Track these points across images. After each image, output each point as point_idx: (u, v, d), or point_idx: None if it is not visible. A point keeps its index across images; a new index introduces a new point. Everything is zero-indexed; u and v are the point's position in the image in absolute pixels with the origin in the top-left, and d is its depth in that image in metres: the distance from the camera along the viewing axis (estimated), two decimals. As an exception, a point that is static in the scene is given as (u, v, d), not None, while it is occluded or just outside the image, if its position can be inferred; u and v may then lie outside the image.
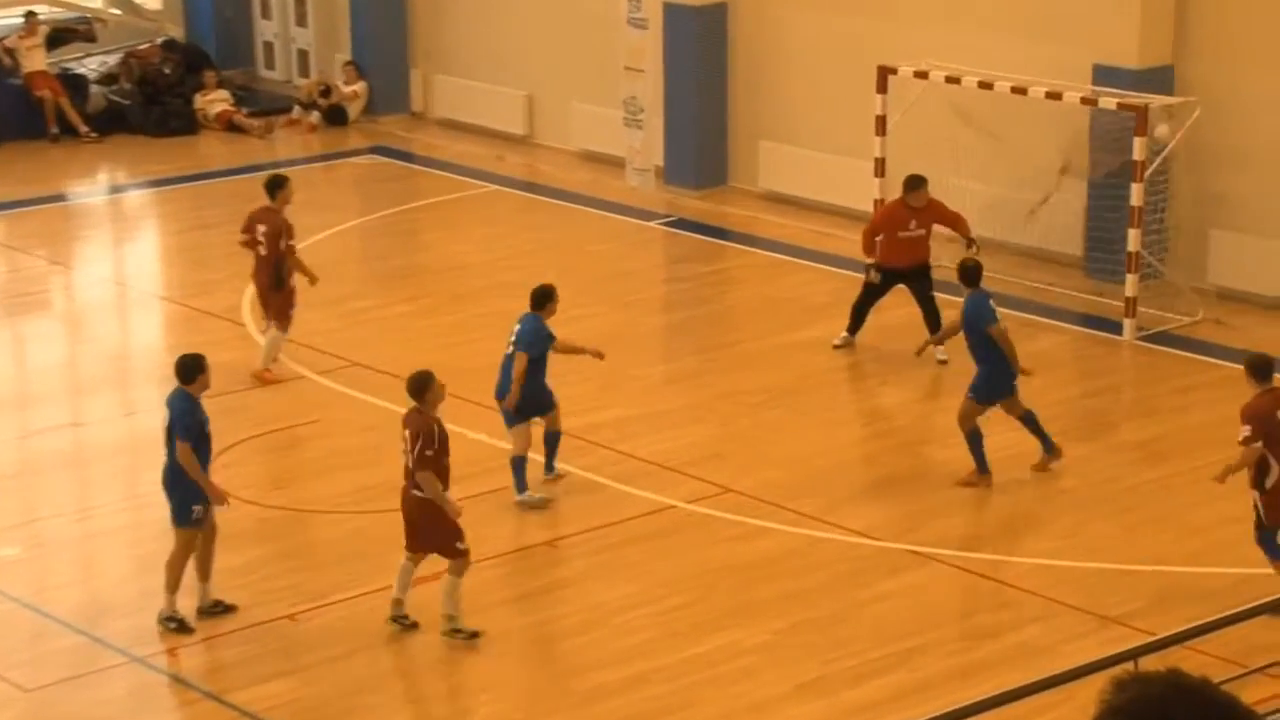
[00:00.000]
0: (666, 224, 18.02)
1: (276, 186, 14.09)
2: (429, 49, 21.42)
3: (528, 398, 11.83)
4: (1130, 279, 14.76)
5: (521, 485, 11.88)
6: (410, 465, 10.15)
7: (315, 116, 21.41)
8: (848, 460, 12.81)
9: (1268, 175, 15.22)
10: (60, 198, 19.27)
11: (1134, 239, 14.73)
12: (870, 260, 14.43)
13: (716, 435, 13.08)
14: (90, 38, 22.42)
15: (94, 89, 21.58)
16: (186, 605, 10.54)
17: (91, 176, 20.25)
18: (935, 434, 13.21)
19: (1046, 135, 15.76)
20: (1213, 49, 15.38)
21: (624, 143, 18.61)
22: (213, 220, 17.59)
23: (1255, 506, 10.49)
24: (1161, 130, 14.83)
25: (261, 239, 13.94)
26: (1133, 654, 8.59)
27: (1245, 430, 10.24)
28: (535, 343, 11.76)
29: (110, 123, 21.17)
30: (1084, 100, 15.10)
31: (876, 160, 16.16)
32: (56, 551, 11.74)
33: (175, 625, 10.44)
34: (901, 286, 14.41)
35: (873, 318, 14.60)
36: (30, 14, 21.54)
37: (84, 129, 20.90)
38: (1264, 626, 9.91)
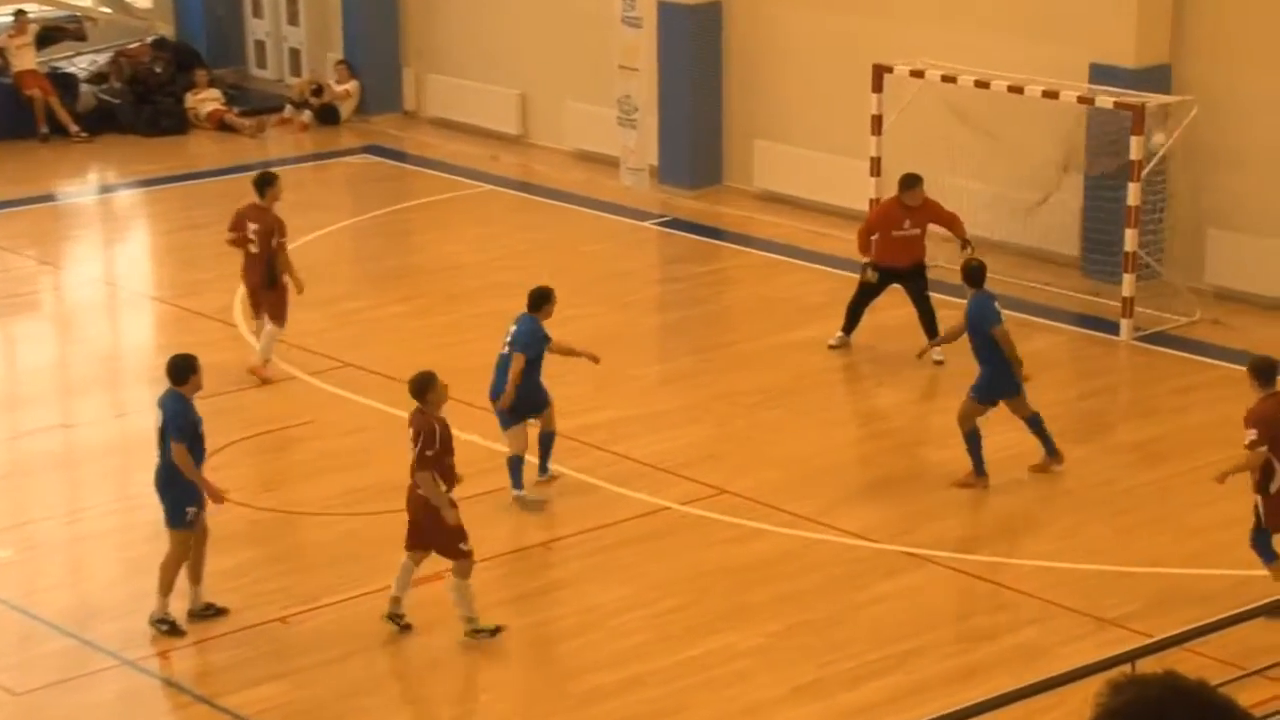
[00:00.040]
0: (661, 224, 17.98)
1: (266, 184, 14.03)
2: (422, 48, 21.36)
3: (523, 398, 11.80)
4: (1127, 279, 14.73)
5: (518, 482, 11.85)
6: (411, 464, 10.13)
7: (307, 116, 21.34)
8: (844, 461, 12.78)
9: (1265, 175, 15.19)
10: (50, 197, 19.21)
11: (1131, 239, 14.69)
12: (866, 259, 14.37)
13: (712, 436, 13.04)
14: (80, 36, 22.35)
15: (84, 88, 21.50)
16: (177, 608, 10.50)
17: (82, 176, 20.20)
18: (932, 435, 13.18)
19: (1043, 134, 15.72)
20: (1210, 48, 15.34)
21: (618, 142, 18.56)
22: (203, 220, 17.50)
23: (1256, 509, 10.46)
24: (1157, 139, 14.78)
25: (253, 237, 13.87)
26: (1130, 656, 8.56)
27: (1251, 434, 10.21)
28: (532, 344, 11.73)
29: (100, 122, 21.10)
30: (1081, 99, 15.07)
31: (872, 160, 16.12)
32: (46, 554, 11.70)
33: (167, 628, 10.39)
34: (897, 286, 14.36)
35: (869, 318, 14.56)
36: (19, 12, 21.45)
37: (74, 128, 20.83)
38: (1262, 628, 9.89)
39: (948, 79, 15.61)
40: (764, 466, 12.46)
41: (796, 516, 11.72)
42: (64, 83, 21.30)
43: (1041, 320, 15.07)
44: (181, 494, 10.32)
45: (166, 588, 10.36)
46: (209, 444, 10.69)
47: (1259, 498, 10.39)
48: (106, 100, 21.33)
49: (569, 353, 12.07)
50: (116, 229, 18.98)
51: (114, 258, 17.96)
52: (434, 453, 10.05)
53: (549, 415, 12.03)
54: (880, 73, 15.93)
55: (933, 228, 14.39)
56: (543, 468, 12.18)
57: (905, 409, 13.84)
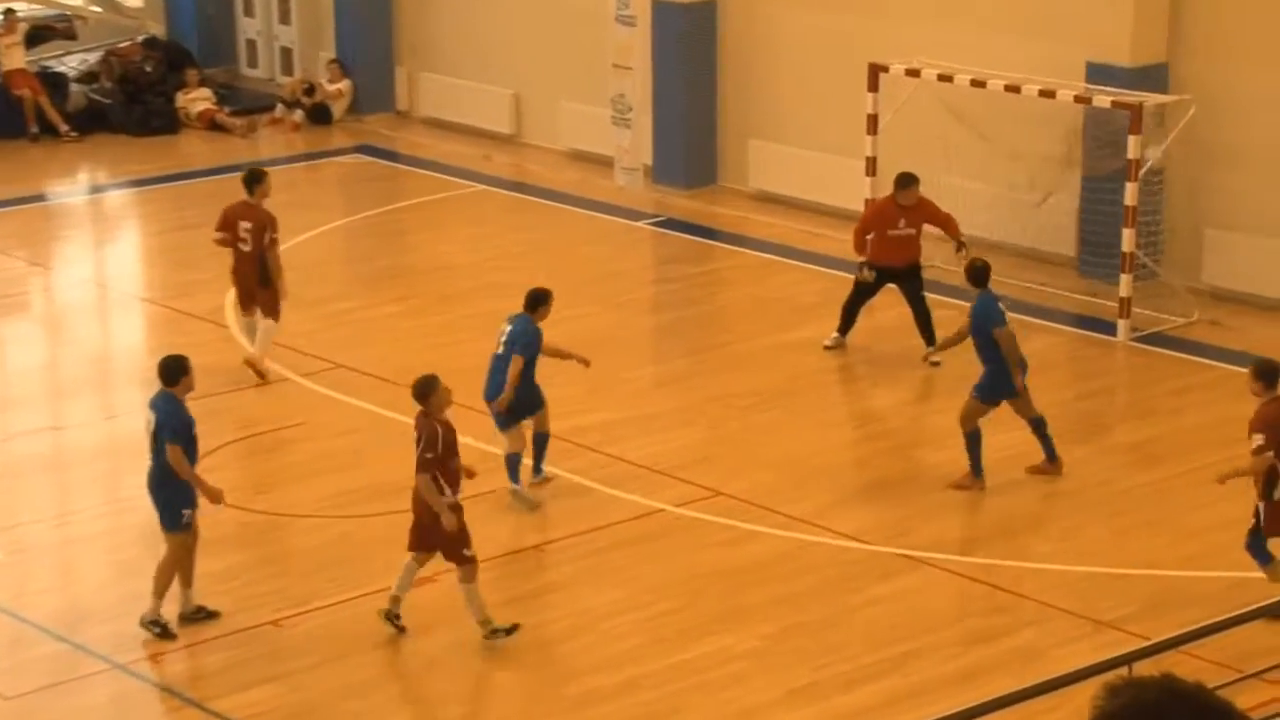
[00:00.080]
0: (655, 224, 17.94)
1: (256, 180, 14.00)
2: (414, 47, 21.30)
3: (519, 399, 11.79)
4: (1125, 279, 14.69)
5: (515, 477, 11.82)
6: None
7: (299, 115, 21.27)
8: (839, 463, 12.74)
9: (1263, 174, 15.15)
10: (40, 198, 19.14)
11: (1128, 239, 14.65)
12: (862, 259, 14.32)
13: (706, 438, 13.00)
14: (70, 35, 22.28)
15: (74, 87, 21.44)
16: (168, 611, 10.45)
17: (72, 176, 20.14)
18: (927, 436, 13.16)
19: (1040, 134, 15.66)
20: (1207, 47, 15.30)
21: (612, 142, 18.51)
22: (195, 220, 17.40)
23: (1256, 512, 10.42)
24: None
25: (244, 235, 13.82)
26: (1127, 659, 8.54)
27: (1258, 439, 10.16)
28: (530, 345, 11.71)
29: (91, 122, 21.03)
30: (1078, 98, 15.03)
31: (868, 159, 16.07)
32: (36, 557, 11.64)
33: (159, 630, 10.34)
34: (892, 287, 14.30)
35: (864, 319, 14.52)
36: (9, 11, 21.39)
37: (64, 128, 20.76)
38: (1260, 631, 9.88)
39: (944, 78, 15.57)
40: (759, 468, 12.42)
41: (791, 518, 11.68)
42: (54, 82, 21.25)
43: (1038, 321, 15.02)
44: (176, 496, 10.28)
45: (161, 590, 10.32)
46: (200, 446, 10.62)
47: (1261, 503, 10.35)
48: (97, 100, 21.26)
49: (560, 355, 12.03)
50: (107, 229, 18.91)
51: (104, 258, 17.89)
52: (434, 455, 10.03)
53: (543, 416, 11.99)
54: (876, 72, 15.88)
55: (928, 228, 14.33)
56: (537, 469, 12.13)
57: (901, 410, 13.80)
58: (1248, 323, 14.86)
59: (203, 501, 10.44)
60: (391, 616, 10.25)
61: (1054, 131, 15.64)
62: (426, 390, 10.14)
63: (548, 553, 11.45)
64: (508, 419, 11.81)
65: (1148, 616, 10.38)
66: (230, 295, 14.89)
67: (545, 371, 12.07)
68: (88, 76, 21.65)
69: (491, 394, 11.78)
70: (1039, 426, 12.16)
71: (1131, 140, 14.49)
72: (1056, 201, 15.87)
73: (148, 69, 21.50)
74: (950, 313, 14.83)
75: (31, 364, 15.05)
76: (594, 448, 12.71)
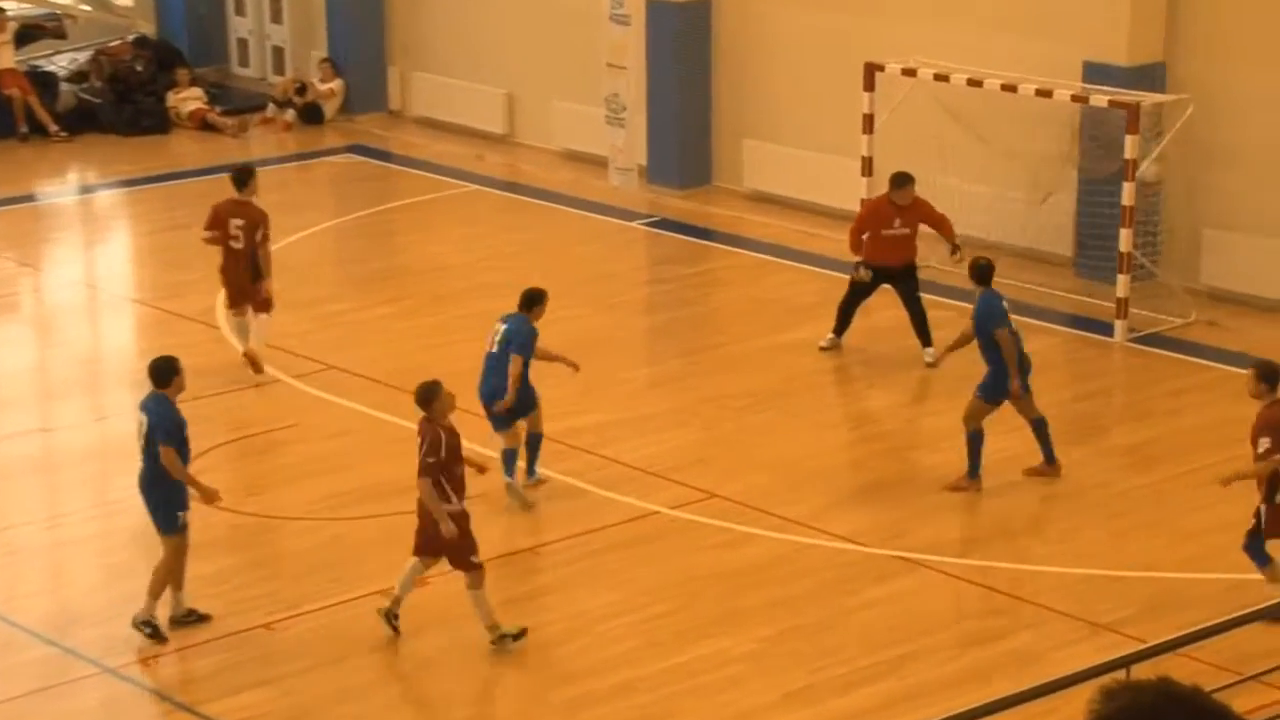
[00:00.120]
0: (649, 224, 17.89)
1: (247, 177, 13.98)
2: (407, 46, 21.23)
3: (523, 398, 11.74)
4: (1122, 279, 14.65)
5: (511, 471, 11.77)
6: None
7: (290, 115, 21.19)
8: (835, 465, 12.71)
9: (1261, 174, 15.11)
10: (30, 198, 19.07)
11: (1125, 239, 14.60)
12: (858, 259, 14.26)
13: (700, 440, 12.95)
14: (60, 34, 22.18)
15: (64, 87, 21.34)
16: (159, 614, 10.38)
17: (61, 176, 20.06)
18: (924, 438, 13.14)
19: (1037, 134, 15.61)
20: (1205, 46, 15.27)
21: (606, 141, 18.44)
22: (185, 221, 17.29)
23: (1257, 514, 10.39)
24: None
25: (236, 232, 13.77)
26: (1125, 661, 8.50)
27: (1265, 442, 10.13)
28: (527, 344, 11.68)
29: (81, 121, 20.94)
30: (1074, 98, 15.00)
31: (863, 159, 16.02)
32: (25, 559, 11.59)
33: (150, 631, 10.29)
34: (888, 287, 14.24)
35: (860, 319, 14.47)
36: (-2, 10, 21.27)
37: (54, 128, 20.67)
38: (1258, 633, 9.85)
39: (940, 77, 15.52)
40: (754, 470, 12.37)
41: (787, 520, 11.64)
42: (43, 81, 21.16)
43: (1035, 321, 14.94)
44: (170, 498, 10.23)
45: (157, 592, 10.28)
46: (191, 448, 10.55)
47: (1263, 505, 10.32)
48: (87, 99, 21.17)
49: (549, 358, 11.99)
50: (97, 230, 18.85)
51: (94, 259, 17.82)
52: (436, 460, 9.97)
53: (536, 417, 11.95)
54: (872, 71, 15.83)
55: (924, 228, 14.28)
56: (530, 471, 12.08)
57: (897, 411, 13.76)
58: (1246, 323, 14.83)
59: (193, 504, 10.38)
60: (390, 616, 10.22)
61: (1051, 131, 15.58)
62: (429, 396, 10.10)
63: (542, 555, 11.40)
64: (503, 419, 11.75)
65: (1146, 619, 10.36)
66: (220, 296, 14.80)
67: (538, 372, 12.02)
68: (77, 76, 21.56)
69: (486, 393, 11.73)
70: (1040, 428, 12.12)
71: (1129, 140, 14.45)
72: (1054, 201, 15.82)
73: (138, 68, 21.41)
74: (947, 313, 14.80)
75: (21, 365, 14.96)
76: (588, 449, 12.66)
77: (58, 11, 22.54)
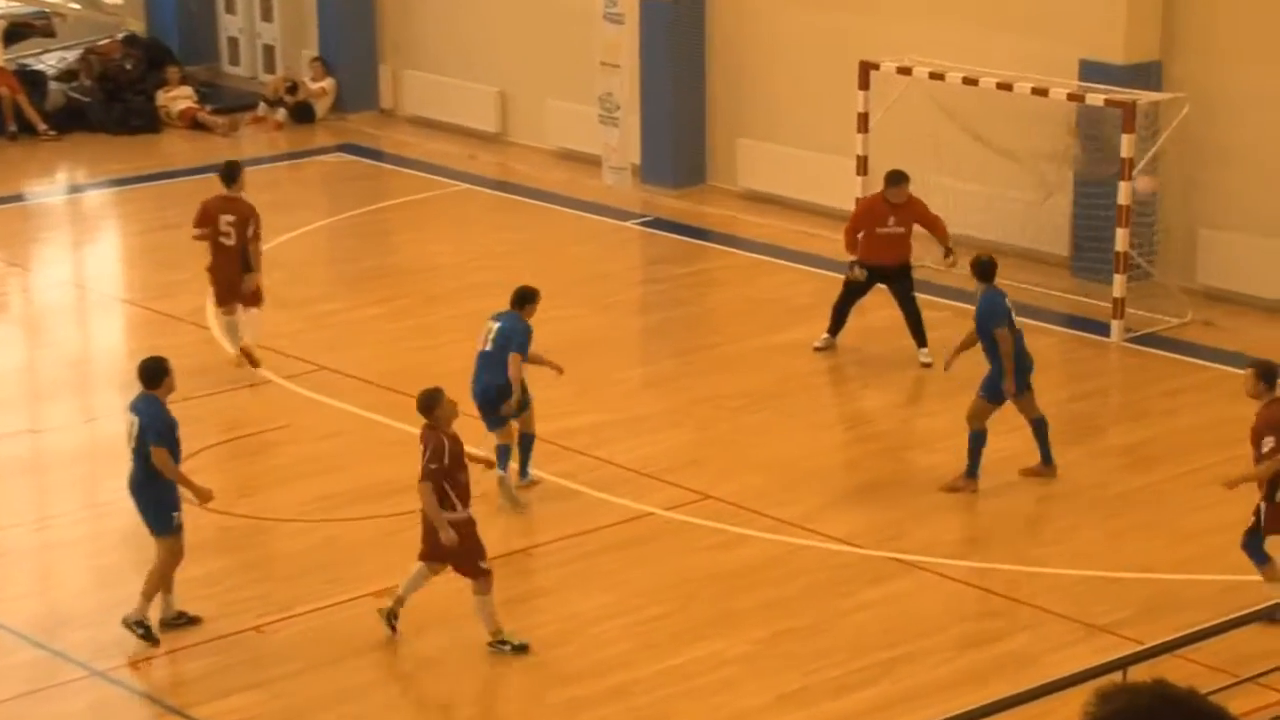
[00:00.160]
0: (643, 224, 17.84)
1: (236, 173, 13.92)
2: (398, 44, 21.16)
3: (506, 398, 11.64)
4: (1118, 279, 14.61)
5: (504, 465, 11.72)
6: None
7: (281, 114, 21.12)
8: (830, 465, 12.66)
9: (1257, 173, 15.08)
10: (18, 198, 19.00)
11: (1122, 238, 14.56)
12: (853, 258, 14.19)
13: (695, 440, 12.91)
14: (49, 33, 22.11)
15: (53, 85, 21.27)
16: (149, 616, 10.32)
17: (50, 176, 20.00)
18: (919, 438, 13.10)
19: (1033, 133, 15.56)
20: (1201, 44, 15.23)
21: (600, 140, 18.38)
22: (175, 220, 17.21)
23: (1257, 511, 10.35)
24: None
25: (226, 229, 13.71)
26: (1121, 663, 8.47)
27: (1269, 441, 10.10)
28: (525, 342, 11.66)
29: (70, 120, 20.87)
30: (1071, 96, 14.96)
31: (859, 158, 15.98)
32: (14, 562, 11.52)
33: (142, 631, 10.23)
34: (882, 287, 14.19)
35: (855, 320, 14.42)
36: (-12, 9, 21.19)
37: (42, 127, 20.59)
38: (1255, 634, 9.81)
39: (935, 76, 15.47)
40: (748, 471, 12.33)
41: (781, 522, 11.60)
42: (32, 80, 21.08)
43: (1031, 321, 14.82)
44: (163, 499, 10.18)
45: (151, 593, 10.22)
46: (182, 449, 10.49)
47: (1263, 503, 10.29)
48: (76, 98, 21.10)
49: (535, 360, 11.97)
50: (86, 230, 18.78)
51: (84, 259, 17.75)
52: (439, 467, 9.92)
53: (529, 417, 11.90)
54: (867, 69, 15.79)
55: (919, 229, 14.22)
56: (523, 472, 12.02)
57: (892, 412, 13.71)
58: (1242, 323, 14.80)
59: (184, 505, 10.32)
60: (390, 616, 10.17)
61: (1047, 130, 15.53)
62: (431, 403, 10.05)
63: (535, 557, 11.35)
64: (498, 418, 11.70)
65: (1143, 620, 10.33)
66: (212, 295, 14.71)
67: (531, 373, 11.98)
68: (67, 74, 21.48)
69: (478, 391, 11.68)
70: (1039, 428, 12.07)
71: (1125, 139, 14.40)
72: (1051, 201, 15.77)
73: (128, 67, 21.33)
74: (942, 313, 14.77)
75: (10, 366, 14.89)
76: (582, 450, 12.61)
77: (46, 10, 22.45)
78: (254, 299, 13.84)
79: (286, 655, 10.08)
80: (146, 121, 20.95)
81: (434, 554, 10.08)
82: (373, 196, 18.89)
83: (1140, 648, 9.35)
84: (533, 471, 12.06)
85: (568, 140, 19.35)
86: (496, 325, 11.73)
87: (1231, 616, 9.55)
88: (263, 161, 19.47)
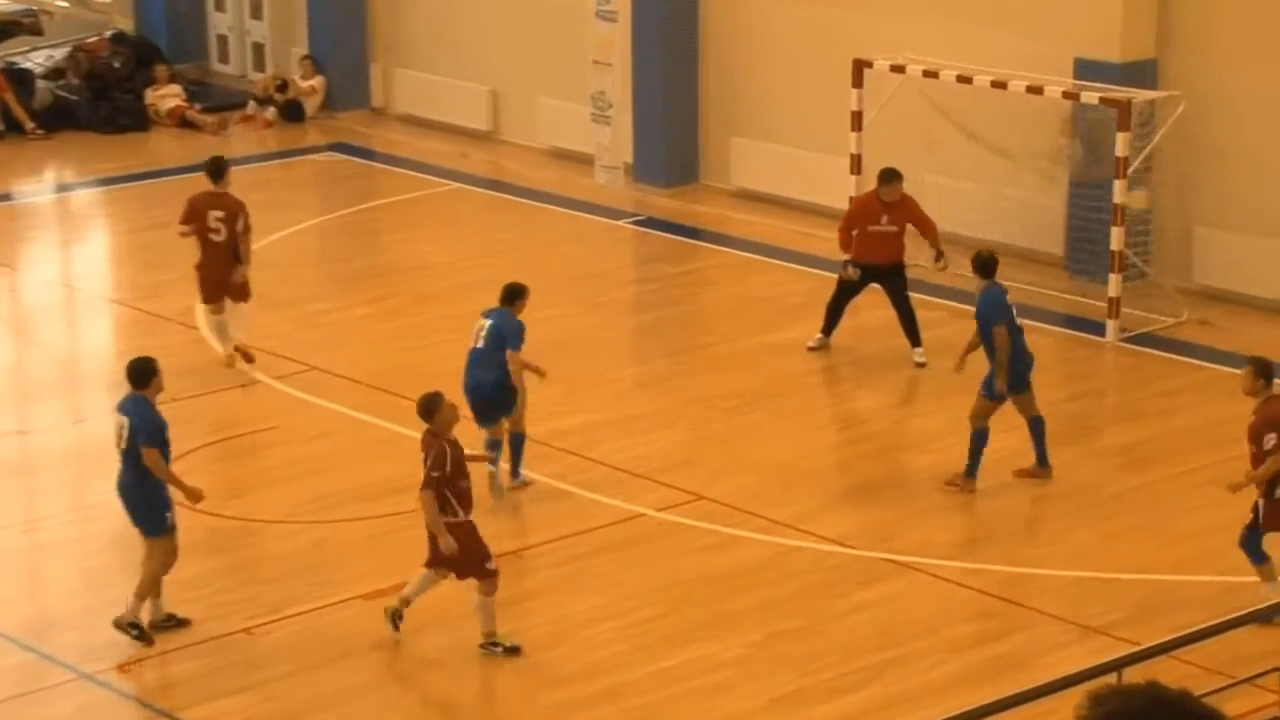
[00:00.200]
0: (636, 223, 17.79)
1: (223, 168, 13.85)
2: (389, 42, 21.09)
3: (502, 395, 11.61)
4: (1113, 278, 14.56)
5: (495, 460, 11.66)
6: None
7: (271, 112, 21.04)
8: (823, 466, 12.63)
9: (1254, 172, 15.04)
10: (6, 197, 18.92)
11: (1117, 237, 14.51)
12: (847, 256, 14.13)
13: (687, 441, 12.86)
14: (36, 30, 22.02)
15: (40, 84, 21.18)
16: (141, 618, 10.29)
17: (38, 175, 19.93)
18: (913, 439, 13.07)
19: (1027, 131, 15.50)
20: (1197, 42, 15.19)
21: (592, 139, 18.32)
22: (164, 220, 17.10)
23: (1255, 508, 10.32)
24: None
25: (217, 224, 13.65)
26: (1116, 665, 8.41)
27: (1271, 438, 10.08)
28: (520, 338, 11.63)
29: (57, 119, 20.78)
30: (1066, 95, 14.92)
31: (852, 157, 15.93)
32: (2, 564, 11.47)
33: (136, 632, 10.18)
34: (876, 287, 14.13)
35: (848, 319, 14.37)
36: (-25, 7, 21.09)
37: (30, 125, 20.50)
38: (1251, 635, 9.77)
39: (929, 74, 15.42)
40: (741, 472, 12.29)
41: (774, 523, 11.56)
42: (20, 78, 21.00)
43: (1027, 321, 14.69)
44: (155, 500, 10.12)
45: (145, 594, 10.17)
46: (171, 450, 10.41)
47: (1262, 500, 10.25)
48: (64, 96, 21.01)
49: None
50: (74, 229, 18.70)
51: (72, 259, 17.68)
52: (441, 474, 9.87)
53: (519, 417, 11.82)
54: (860, 67, 15.73)
55: (913, 230, 14.17)
56: (515, 472, 11.96)
57: (886, 412, 13.67)
58: (1238, 323, 14.76)
59: (175, 505, 10.27)
60: (395, 616, 10.12)
61: (1041, 128, 15.47)
62: (431, 408, 9.99)
63: (526, 558, 11.29)
64: (490, 416, 11.67)
65: (1137, 622, 10.30)
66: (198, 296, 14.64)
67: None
68: (54, 73, 21.39)
69: (470, 388, 11.64)
70: (1037, 427, 12.01)
71: (1119, 138, 14.35)
72: (1044, 199, 15.72)
73: (116, 65, 21.23)
74: (936, 313, 14.73)
75: (-2, 366, 14.82)
76: (573, 451, 12.56)
77: (34, 7, 22.35)
78: (242, 293, 13.76)
79: (277, 657, 10.05)
80: (135, 120, 20.87)
81: (438, 560, 10.04)
82: (363, 195, 18.83)
83: (1136, 649, 9.30)
84: (524, 472, 12.00)
85: (560, 139, 19.29)
86: (488, 323, 11.68)
87: (1227, 618, 9.51)
88: (252, 160, 19.40)
